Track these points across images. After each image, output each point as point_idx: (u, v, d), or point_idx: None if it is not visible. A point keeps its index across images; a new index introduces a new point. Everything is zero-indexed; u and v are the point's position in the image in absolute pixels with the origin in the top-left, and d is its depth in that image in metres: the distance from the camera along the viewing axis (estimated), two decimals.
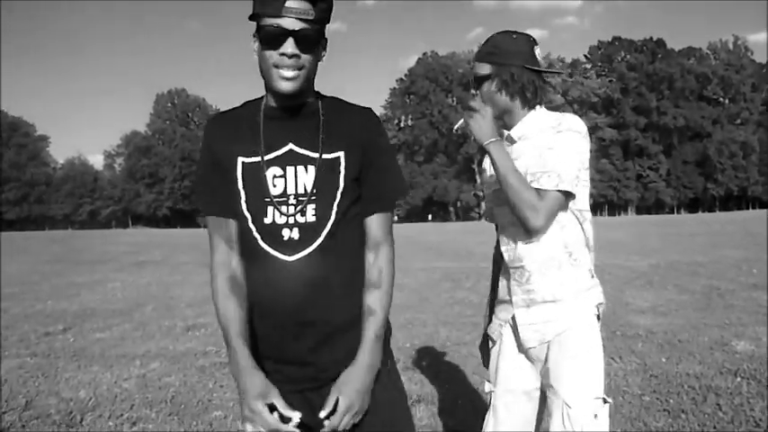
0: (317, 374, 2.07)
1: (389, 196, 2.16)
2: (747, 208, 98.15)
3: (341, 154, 2.04)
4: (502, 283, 2.84)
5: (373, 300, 2.09)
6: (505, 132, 2.69)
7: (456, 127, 2.68)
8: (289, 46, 1.90)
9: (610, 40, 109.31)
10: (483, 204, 2.97)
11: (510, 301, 2.74)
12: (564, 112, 2.69)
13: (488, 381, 2.91)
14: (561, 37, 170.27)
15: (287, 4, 1.88)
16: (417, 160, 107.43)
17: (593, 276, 2.71)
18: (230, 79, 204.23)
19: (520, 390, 2.77)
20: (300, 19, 1.89)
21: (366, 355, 2.04)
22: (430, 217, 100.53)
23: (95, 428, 4.99)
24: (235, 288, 2.08)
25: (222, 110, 2.19)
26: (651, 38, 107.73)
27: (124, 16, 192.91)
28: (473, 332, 8.14)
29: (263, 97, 2.11)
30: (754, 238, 22.72)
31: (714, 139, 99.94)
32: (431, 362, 6.67)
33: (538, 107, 2.68)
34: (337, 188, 2.03)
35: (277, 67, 1.93)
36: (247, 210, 2.04)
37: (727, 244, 20.87)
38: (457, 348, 7.24)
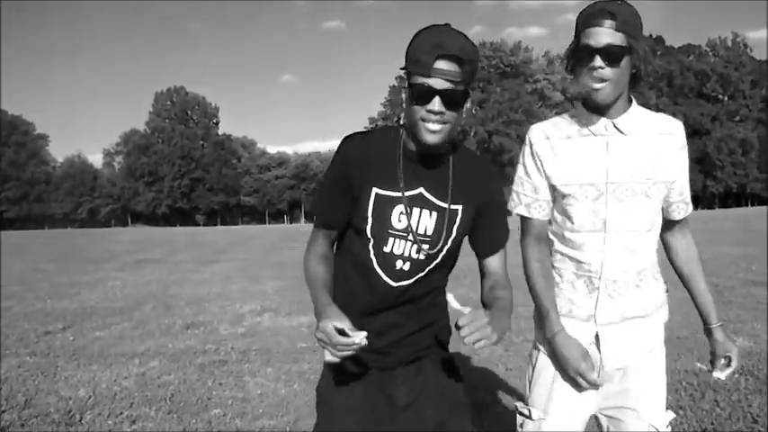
0: (391, 361, 2.35)
1: (504, 239, 2.39)
2: (746, 205, 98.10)
3: (460, 207, 2.27)
4: (567, 297, 2.49)
5: (504, 293, 2.27)
6: (606, 120, 2.36)
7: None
8: (436, 104, 2.04)
9: None
10: (524, 195, 2.52)
11: (584, 319, 2.45)
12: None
13: (530, 407, 2.58)
14: (561, 35, 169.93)
15: (436, 66, 2.01)
16: None
17: (667, 290, 2.61)
18: (229, 77, 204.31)
19: (577, 417, 2.51)
20: (447, 80, 2.02)
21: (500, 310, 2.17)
22: None
23: (95, 427, 5.01)
24: (325, 259, 2.33)
25: (361, 131, 2.34)
26: (650, 35, 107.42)
27: (123, 15, 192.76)
28: None
29: (400, 130, 2.28)
30: (753, 235, 22.75)
31: (713, 137, 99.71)
32: None
33: (633, 100, 2.42)
34: (450, 236, 2.27)
35: (423, 120, 2.08)
36: (371, 235, 2.25)
37: (726, 241, 20.92)
38: (457, 346, 7.24)
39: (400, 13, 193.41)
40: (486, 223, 2.34)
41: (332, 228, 2.34)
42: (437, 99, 2.04)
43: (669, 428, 2.52)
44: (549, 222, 2.53)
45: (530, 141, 2.48)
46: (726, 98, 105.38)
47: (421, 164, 2.22)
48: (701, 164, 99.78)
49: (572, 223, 2.42)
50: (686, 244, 2.61)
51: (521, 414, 2.62)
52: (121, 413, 5.29)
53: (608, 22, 2.20)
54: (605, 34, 2.20)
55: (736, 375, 5.56)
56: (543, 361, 2.55)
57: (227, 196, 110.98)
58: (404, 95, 2.17)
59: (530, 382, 2.63)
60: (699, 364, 2.64)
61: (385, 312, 2.31)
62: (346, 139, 2.28)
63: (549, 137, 2.44)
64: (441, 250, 2.27)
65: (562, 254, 2.48)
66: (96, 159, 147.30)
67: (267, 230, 51.83)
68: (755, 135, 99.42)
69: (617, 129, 2.35)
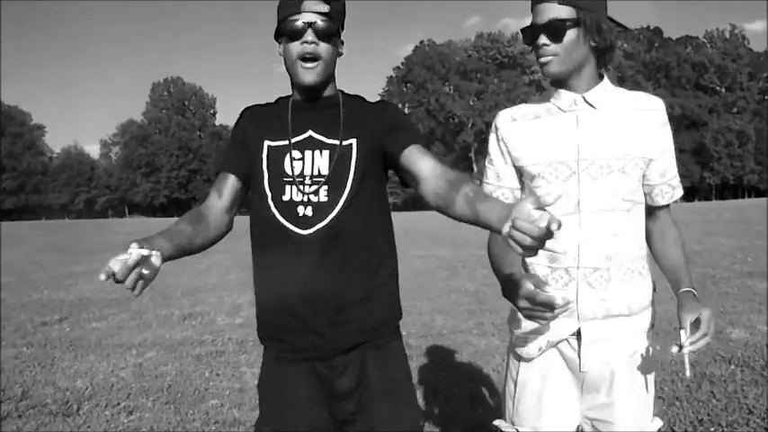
0: (327, 345, 2.20)
1: (415, 134, 2.25)
2: (743, 197, 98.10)
3: (353, 141, 2.23)
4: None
5: (471, 186, 1.94)
6: (574, 95, 2.19)
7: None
8: (309, 35, 2.14)
9: None
10: (487, 184, 2.34)
11: (565, 314, 2.14)
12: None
13: (517, 426, 2.33)
14: None
15: (304, 3, 2.14)
16: None
17: (655, 289, 2.38)
18: (226, 67, 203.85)
19: (567, 430, 2.27)
20: (317, 12, 2.14)
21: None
22: None
23: (92, 418, 5.01)
24: (194, 214, 2.22)
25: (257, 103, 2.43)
26: (648, 26, 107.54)
27: (120, 5, 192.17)
28: (469, 320, 8.18)
29: (293, 93, 2.33)
30: (749, 227, 22.76)
31: (710, 128, 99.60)
32: (427, 350, 6.69)
33: (605, 76, 2.25)
34: (348, 172, 2.21)
35: (300, 59, 2.16)
36: (269, 188, 2.24)
37: (723, 232, 20.94)
38: (453, 337, 7.27)
39: (398, 4, 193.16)
40: (389, 133, 2.21)
41: (229, 169, 2.32)
42: (309, 31, 2.14)
43: None
44: None
45: (495, 127, 2.33)
46: (723, 90, 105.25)
47: (310, 110, 2.28)
48: (698, 155, 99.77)
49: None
50: (664, 228, 2.38)
51: None
52: (119, 404, 5.30)
53: None
54: (549, 9, 2.09)
55: (732, 367, 5.58)
56: (526, 371, 2.31)
57: None
58: (279, 51, 2.24)
59: (512, 397, 2.36)
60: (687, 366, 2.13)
61: (307, 279, 2.16)
62: (244, 109, 2.40)
63: (516, 119, 2.30)
64: (341, 188, 2.19)
65: None
66: (93, 150, 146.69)
67: None
68: (752, 127, 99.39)
69: (587, 102, 2.19)
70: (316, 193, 2.19)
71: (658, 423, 2.31)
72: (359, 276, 2.22)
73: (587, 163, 2.16)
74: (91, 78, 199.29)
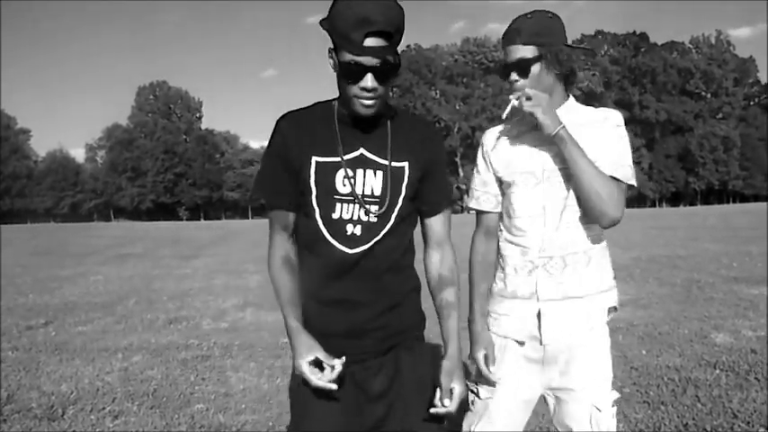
0: (364, 349, 2.28)
1: (448, 198, 2.43)
2: (728, 202, 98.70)
3: (406, 164, 2.26)
4: (508, 278, 2.67)
5: (451, 295, 2.45)
6: None
7: (505, 114, 2.54)
8: (368, 80, 2.04)
9: (593, 33, 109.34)
10: (475, 190, 2.75)
11: (526, 297, 2.60)
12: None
13: (478, 384, 2.76)
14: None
15: (366, 43, 1.99)
16: None
17: (614, 277, 2.70)
18: (212, 71, 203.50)
19: (522, 397, 2.67)
20: (379, 56, 2.02)
21: (455, 345, 2.40)
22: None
23: (77, 422, 4.99)
24: (287, 264, 2.33)
25: (293, 109, 2.32)
26: (634, 32, 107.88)
27: (105, 7, 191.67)
28: None
29: (334, 101, 2.27)
30: (734, 232, 22.86)
31: (696, 134, 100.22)
32: None
33: (570, 97, 2.64)
34: (400, 194, 2.25)
35: (357, 97, 2.08)
36: (317, 204, 2.21)
37: (708, 237, 21.01)
38: (438, 339, 7.26)
39: None
40: (430, 182, 2.33)
41: (283, 207, 2.29)
42: (369, 76, 2.04)
43: (615, 408, 2.59)
44: (501, 217, 2.72)
45: (481, 143, 2.74)
46: (709, 95, 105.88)
47: (359, 126, 2.21)
48: (683, 161, 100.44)
49: (515, 210, 2.60)
50: None
51: (471, 392, 2.73)
52: (104, 408, 5.28)
53: (517, 39, 2.46)
54: (518, 50, 2.47)
55: (717, 371, 5.61)
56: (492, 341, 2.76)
57: (210, 191, 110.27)
58: (332, 62, 2.13)
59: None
60: None
61: (347, 288, 2.24)
62: (281, 117, 2.29)
63: (500, 136, 2.71)
64: (392, 210, 2.24)
65: (508, 241, 2.66)
66: (79, 154, 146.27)
67: (250, 225, 51.66)
68: (737, 132, 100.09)
69: None
70: (366, 213, 2.21)
71: (615, 395, 2.62)
72: (392, 287, 2.31)
73: (549, 173, 2.55)
74: (76, 82, 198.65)
